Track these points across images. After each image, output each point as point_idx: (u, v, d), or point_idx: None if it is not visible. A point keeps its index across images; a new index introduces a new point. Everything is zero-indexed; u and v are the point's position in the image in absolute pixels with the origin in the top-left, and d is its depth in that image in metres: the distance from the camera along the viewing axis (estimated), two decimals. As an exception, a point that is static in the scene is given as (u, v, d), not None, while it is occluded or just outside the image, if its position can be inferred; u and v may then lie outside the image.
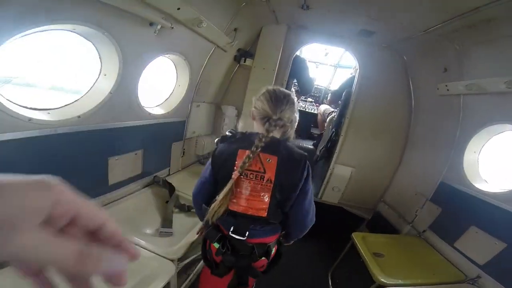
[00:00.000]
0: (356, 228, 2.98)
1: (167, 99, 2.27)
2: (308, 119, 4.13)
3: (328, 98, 3.56)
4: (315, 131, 4.14)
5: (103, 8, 1.26)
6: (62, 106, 1.46)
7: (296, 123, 1.21)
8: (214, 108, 3.02)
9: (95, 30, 1.32)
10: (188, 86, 2.30)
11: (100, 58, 1.51)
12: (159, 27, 1.58)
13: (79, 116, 1.45)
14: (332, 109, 3.49)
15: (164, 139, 2.32)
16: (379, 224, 2.73)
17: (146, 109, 1.96)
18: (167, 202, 2.02)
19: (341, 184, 2.99)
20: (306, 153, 1.11)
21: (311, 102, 4.31)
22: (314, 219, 1.28)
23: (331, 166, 2.96)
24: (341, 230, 2.79)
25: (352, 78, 3.00)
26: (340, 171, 2.96)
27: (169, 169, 2.50)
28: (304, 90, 3.22)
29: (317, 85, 4.48)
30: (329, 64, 4.63)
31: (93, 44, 1.46)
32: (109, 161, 1.75)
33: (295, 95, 1.25)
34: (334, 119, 3.17)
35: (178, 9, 1.55)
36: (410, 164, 2.75)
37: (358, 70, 2.83)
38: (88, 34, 1.38)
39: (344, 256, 2.25)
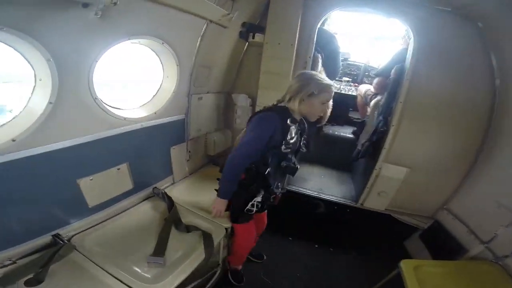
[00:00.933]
0: (406, 239, 2.39)
1: (154, 96, 1.84)
2: (345, 101, 3.35)
3: (375, 81, 2.69)
4: (354, 116, 3.35)
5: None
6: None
7: (297, 89, 1.41)
8: (224, 98, 2.51)
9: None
10: (179, 76, 1.83)
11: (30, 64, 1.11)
12: (101, 6, 1.11)
13: (13, 140, 1.11)
14: (375, 91, 2.67)
15: (158, 145, 1.92)
16: (438, 237, 2.14)
17: (120, 113, 1.55)
18: (165, 219, 1.68)
19: (391, 188, 2.29)
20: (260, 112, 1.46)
21: (347, 81, 3.47)
22: (235, 159, 1.42)
23: (377, 166, 2.26)
24: (387, 240, 2.30)
25: (404, 52, 2.16)
26: (390, 172, 2.25)
27: (173, 177, 2.13)
28: (331, 73, 2.45)
29: (354, 62, 3.61)
30: (368, 36, 3.69)
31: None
32: (80, 183, 1.42)
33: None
34: (381, 103, 2.38)
35: None
36: (492, 165, 1.95)
37: (412, 41, 1.99)
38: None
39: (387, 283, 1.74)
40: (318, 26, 2.13)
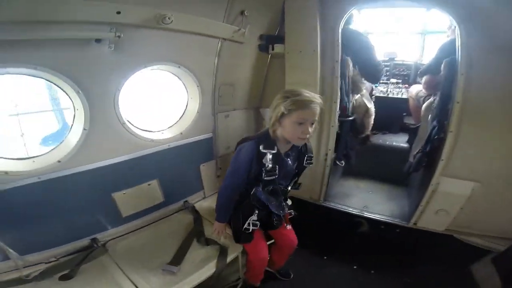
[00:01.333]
0: (473, 263, 1.86)
1: (180, 117, 2.01)
2: (396, 106, 2.91)
3: (423, 80, 2.24)
4: (411, 121, 2.86)
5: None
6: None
7: (270, 116, 1.34)
8: (253, 114, 2.53)
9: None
10: (201, 96, 1.95)
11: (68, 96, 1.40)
12: (110, 39, 1.33)
13: (59, 161, 1.40)
14: (426, 92, 2.21)
15: (186, 163, 2.06)
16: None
17: (147, 136, 1.76)
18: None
19: (453, 205, 1.85)
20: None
21: (396, 83, 3.00)
22: (222, 190, 1.54)
23: (433, 181, 1.86)
24: (448, 264, 1.89)
25: (452, 42, 1.75)
26: (451, 188, 1.82)
27: (204, 192, 2.25)
28: (369, 76, 2.16)
29: (402, 61, 3.17)
30: (411, 32, 3.23)
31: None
32: (115, 196, 1.66)
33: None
34: (434, 105, 1.97)
35: (118, 13, 1.23)
36: None
37: (457, 30, 1.63)
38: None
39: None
40: (341, 26, 1.95)
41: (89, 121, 1.44)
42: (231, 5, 1.73)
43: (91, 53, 1.35)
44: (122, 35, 1.34)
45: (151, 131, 1.85)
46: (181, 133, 1.93)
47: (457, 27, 1.63)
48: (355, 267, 2.01)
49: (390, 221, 2.13)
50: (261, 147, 1.34)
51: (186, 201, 2.10)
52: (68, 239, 1.49)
